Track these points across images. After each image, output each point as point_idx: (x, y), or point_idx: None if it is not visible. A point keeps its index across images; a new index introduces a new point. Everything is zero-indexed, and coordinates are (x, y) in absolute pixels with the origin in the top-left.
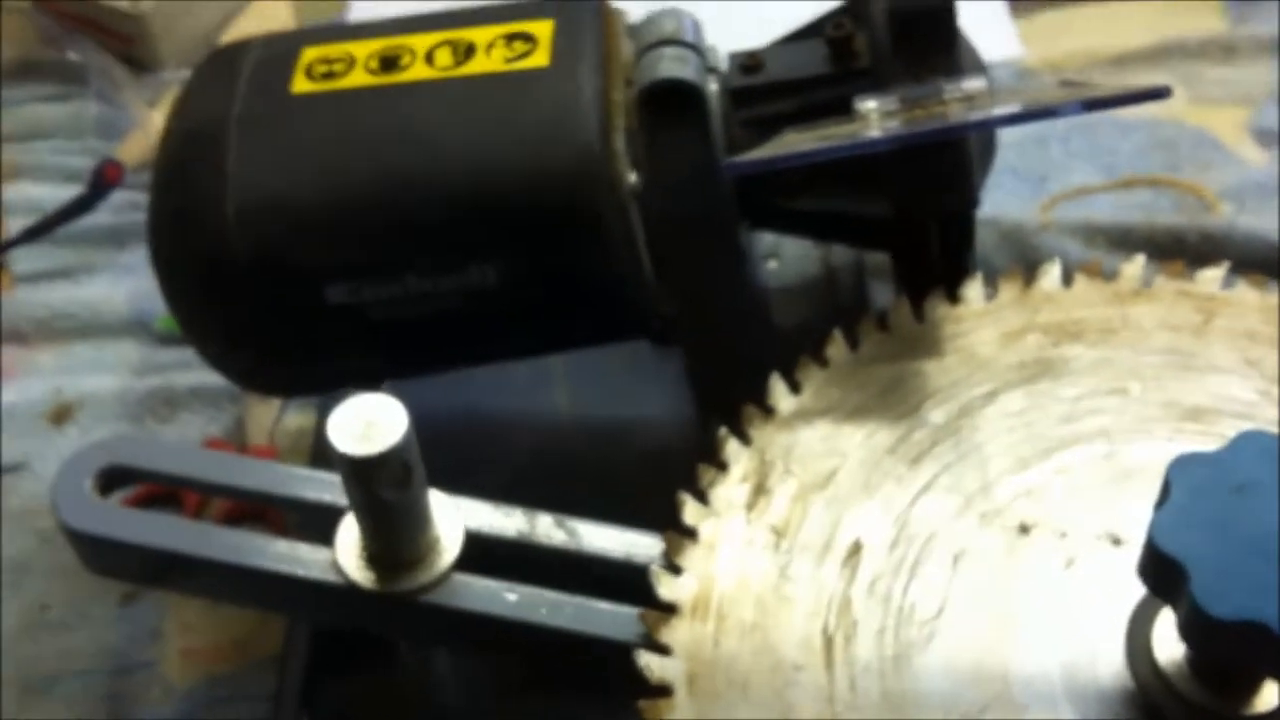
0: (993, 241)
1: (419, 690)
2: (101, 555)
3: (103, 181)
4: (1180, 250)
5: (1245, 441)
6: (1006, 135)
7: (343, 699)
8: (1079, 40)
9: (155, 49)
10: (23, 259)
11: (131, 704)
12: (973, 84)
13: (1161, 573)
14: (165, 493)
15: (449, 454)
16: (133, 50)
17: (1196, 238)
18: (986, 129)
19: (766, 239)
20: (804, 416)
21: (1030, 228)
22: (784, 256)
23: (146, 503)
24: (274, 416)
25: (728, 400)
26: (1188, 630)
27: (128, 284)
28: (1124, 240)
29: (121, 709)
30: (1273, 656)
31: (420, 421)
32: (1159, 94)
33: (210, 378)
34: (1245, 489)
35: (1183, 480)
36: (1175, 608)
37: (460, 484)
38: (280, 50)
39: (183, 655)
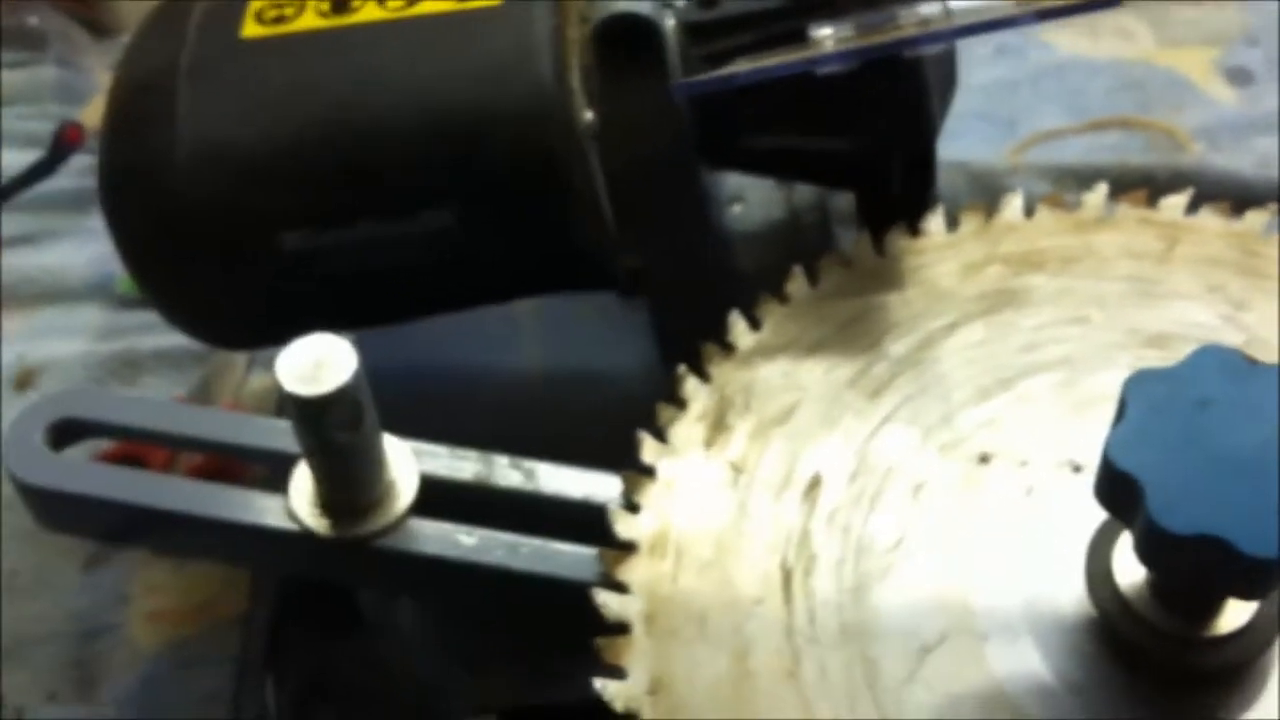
0: (963, 185)
1: (384, 652)
2: (54, 511)
3: (63, 144)
4: (1152, 190)
5: (1204, 357)
6: (976, 80)
7: (307, 661)
8: None
9: (114, 12)
10: None
11: (97, 668)
12: (928, 7)
13: (1117, 491)
14: (131, 454)
15: (417, 407)
16: (92, 14)
17: (1168, 176)
18: (938, 43)
19: (730, 183)
20: (763, 353)
21: (1000, 170)
22: (748, 200)
23: (113, 462)
24: (239, 377)
25: (693, 346)
26: (1145, 549)
27: (90, 248)
28: (1094, 181)
29: (88, 674)
30: (1231, 572)
31: (387, 375)
32: (1110, 2)
33: (174, 340)
34: (1204, 404)
35: (1139, 397)
36: (1132, 527)
37: (429, 437)
38: None
39: (149, 618)
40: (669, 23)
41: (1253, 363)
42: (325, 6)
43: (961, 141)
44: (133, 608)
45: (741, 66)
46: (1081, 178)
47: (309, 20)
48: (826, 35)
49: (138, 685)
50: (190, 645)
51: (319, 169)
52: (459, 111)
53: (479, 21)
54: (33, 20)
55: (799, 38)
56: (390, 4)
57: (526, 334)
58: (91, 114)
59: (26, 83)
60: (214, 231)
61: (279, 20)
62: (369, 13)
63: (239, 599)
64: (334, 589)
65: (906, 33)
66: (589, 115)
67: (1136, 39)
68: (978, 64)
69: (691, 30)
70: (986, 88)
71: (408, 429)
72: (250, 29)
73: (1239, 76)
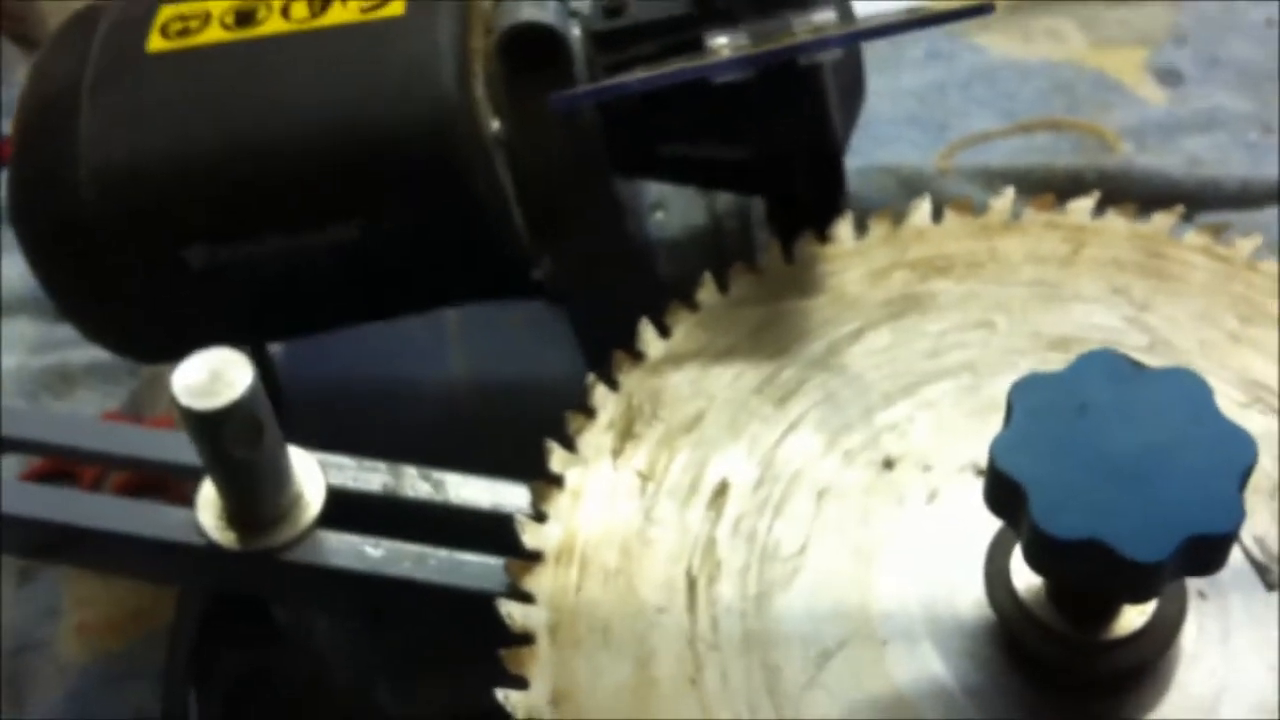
0: (892, 189)
1: (306, 665)
2: None
3: None
4: (1079, 191)
5: (1088, 362)
6: (907, 85)
7: (231, 675)
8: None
9: (46, 26)
10: None
11: (25, 683)
12: (821, 15)
13: (1003, 495)
14: (61, 471)
15: (343, 419)
16: (23, 29)
17: (1095, 177)
18: (825, 49)
19: (652, 191)
20: (672, 360)
21: (929, 174)
22: (670, 208)
23: (41, 480)
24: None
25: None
26: (1032, 554)
27: (22, 261)
28: (1023, 183)
29: (17, 690)
30: (1116, 576)
31: (313, 385)
32: (984, 10)
33: (106, 353)
34: (1087, 409)
35: (1024, 402)
36: (1019, 531)
37: (355, 449)
38: (138, 10)
39: (78, 631)
40: (574, 32)
41: (1138, 367)
42: (230, 19)
43: (892, 146)
44: (63, 621)
45: (636, 75)
46: (1010, 180)
47: (214, 33)
48: (722, 44)
49: (65, 700)
50: (118, 660)
51: (222, 183)
52: (363, 123)
53: (383, 32)
54: None
55: (700, 46)
56: (295, 16)
57: (453, 343)
58: None
59: None
60: (119, 247)
61: (184, 33)
62: (274, 25)
63: (168, 611)
64: (256, 602)
65: (799, 40)
66: (495, 124)
67: (1067, 40)
68: (909, 68)
69: (597, 39)
70: (917, 92)
71: (333, 439)
72: (155, 43)
73: (1168, 77)
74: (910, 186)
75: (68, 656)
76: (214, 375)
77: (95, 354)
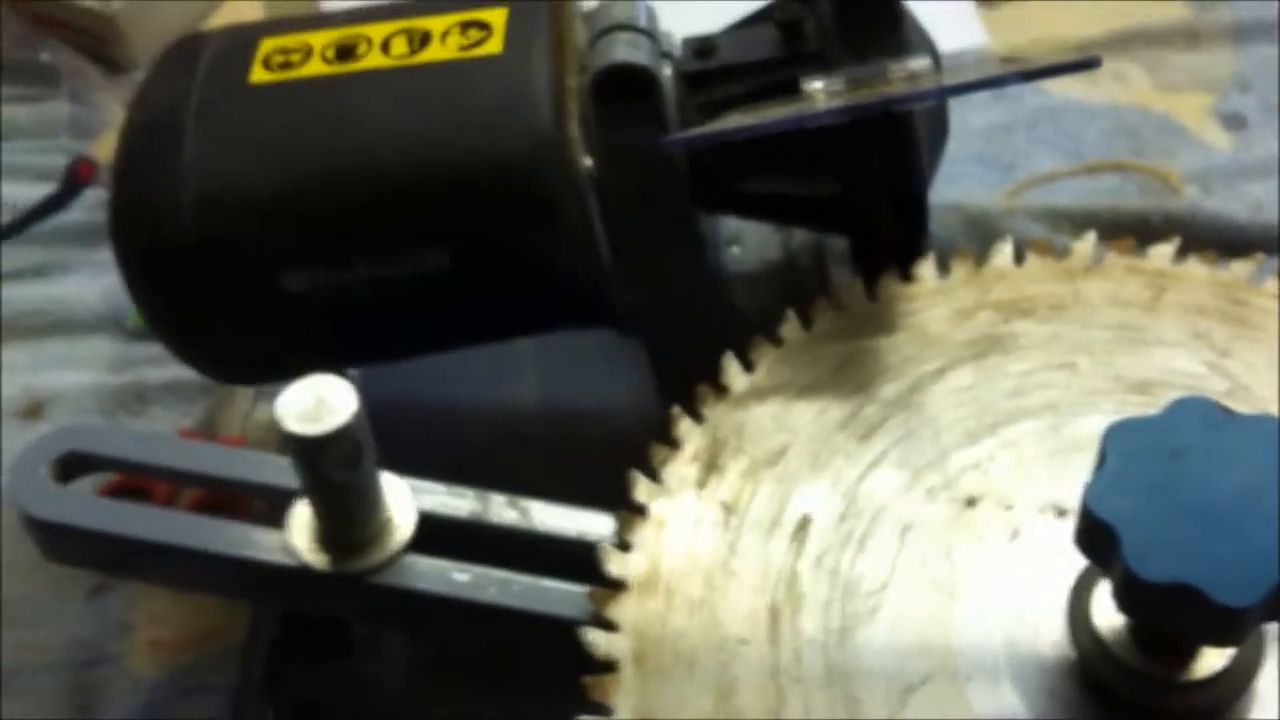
0: (958, 227)
1: (381, 682)
2: (58, 543)
3: (76, 179)
4: (1145, 234)
5: (1181, 407)
6: (973, 124)
7: (305, 691)
8: (1043, 29)
9: (127, 49)
10: None
11: (97, 697)
12: (917, 63)
13: (1095, 538)
14: (136, 487)
15: (416, 442)
16: (105, 50)
17: (1161, 220)
18: (925, 101)
19: (729, 225)
20: (756, 394)
21: (996, 213)
22: (745, 242)
23: (117, 496)
24: (246, 409)
25: (687, 385)
26: (1121, 595)
27: (101, 281)
28: (1089, 224)
29: (87, 702)
30: (1204, 620)
31: (388, 410)
32: (1090, 64)
33: (182, 372)
34: (1180, 454)
35: (1118, 446)
36: (1109, 573)
37: (427, 472)
38: (240, 41)
39: (149, 647)
40: (666, 72)
41: (1229, 413)
42: (331, 54)
43: (958, 185)
44: (134, 637)
45: (731, 122)
46: (1075, 220)
47: (315, 67)
48: (818, 88)
49: (137, 714)
50: (190, 674)
51: (321, 211)
52: (459, 157)
53: (480, 70)
54: (45, 56)
55: (792, 88)
56: (394, 52)
57: (526, 369)
58: (103, 149)
59: (39, 117)
60: (218, 269)
61: (286, 66)
62: (373, 60)
63: (240, 628)
64: (330, 620)
65: (895, 89)
66: (588, 162)
67: (1132, 84)
68: (975, 108)
69: (688, 80)
70: (984, 131)
71: (406, 461)
72: (258, 74)
73: (1233, 122)
74: (977, 225)
75: (139, 671)
76: (319, 401)
77: (171, 373)
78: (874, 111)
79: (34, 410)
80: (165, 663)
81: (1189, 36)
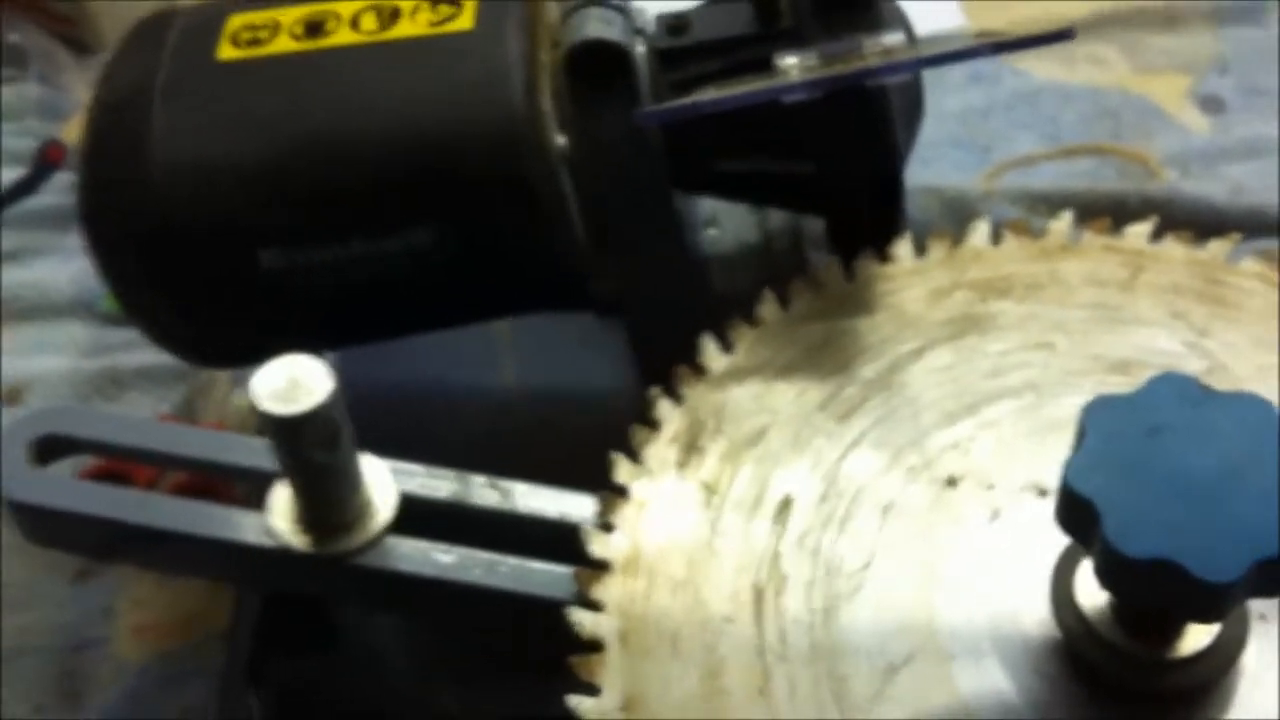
0: (936, 210)
1: (366, 668)
2: (38, 526)
3: (45, 163)
4: (1123, 216)
5: (1160, 384)
6: (950, 107)
7: (290, 676)
8: (1021, 11)
9: (97, 31)
10: None
11: (83, 682)
12: (891, 39)
13: (1076, 515)
14: (115, 472)
15: (395, 427)
16: (74, 32)
17: (1139, 203)
18: (900, 73)
19: (705, 207)
20: (735, 375)
21: (973, 196)
22: (722, 224)
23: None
24: (224, 394)
25: (668, 367)
26: (1103, 572)
27: (73, 265)
28: (1066, 206)
29: (73, 687)
30: (1187, 596)
31: (365, 395)
32: (1065, 35)
33: (159, 357)
34: (1159, 430)
35: (1097, 423)
36: (1090, 551)
37: (407, 454)
38: (206, 18)
39: (134, 632)
40: (639, 49)
41: (1208, 390)
42: (299, 30)
43: (935, 167)
44: (119, 622)
45: (707, 95)
46: (1053, 203)
47: (283, 43)
48: (792, 64)
49: (122, 698)
50: (175, 659)
51: (293, 189)
52: (431, 134)
53: (451, 45)
54: (14, 38)
55: (766, 66)
56: (364, 28)
57: (504, 353)
58: (73, 132)
59: (9, 100)
60: (189, 250)
61: (254, 43)
62: (343, 37)
63: (224, 613)
64: (316, 604)
65: (870, 62)
66: (561, 139)
67: (1111, 66)
68: (952, 90)
69: (661, 57)
70: (961, 114)
71: (386, 446)
72: (226, 51)
73: (1211, 105)
74: (953, 208)
75: (125, 655)
76: (293, 382)
77: (146, 358)
78: (848, 84)
79: (12, 396)
80: (150, 648)
81: (1167, 19)
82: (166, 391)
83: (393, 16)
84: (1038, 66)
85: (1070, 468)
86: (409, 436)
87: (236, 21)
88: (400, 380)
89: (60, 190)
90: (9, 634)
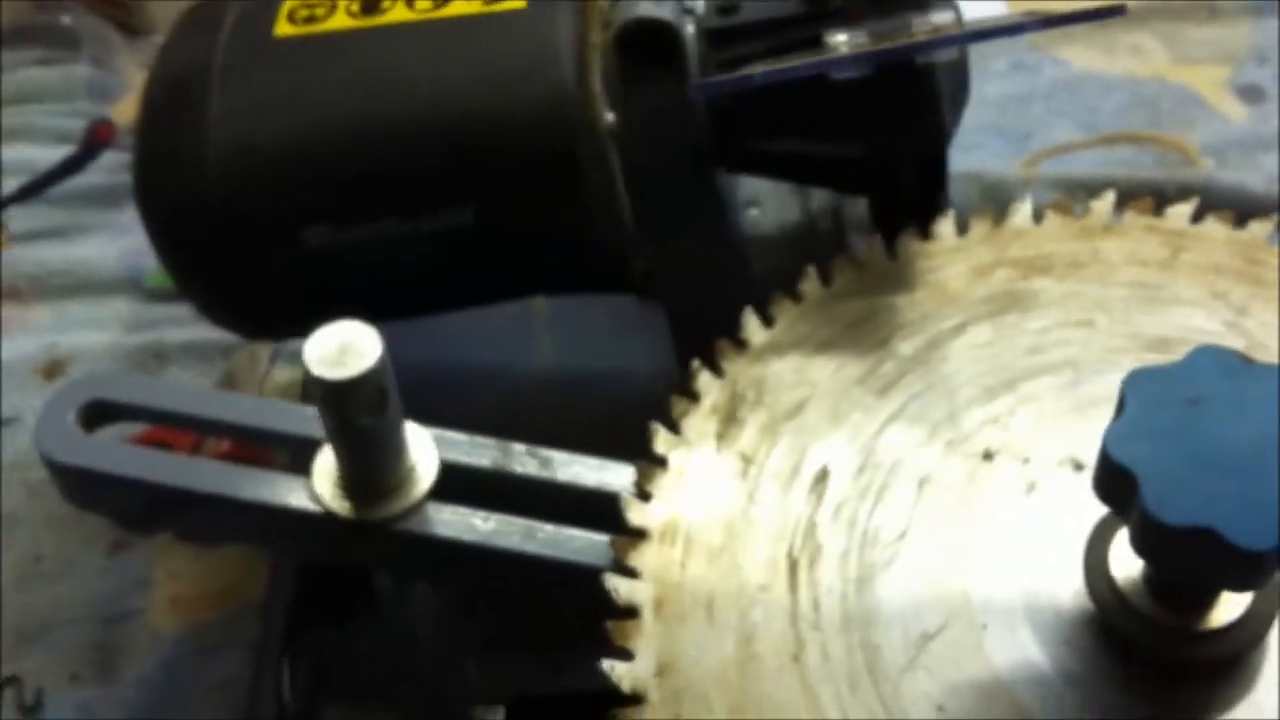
0: (975, 195)
1: (401, 640)
2: (83, 490)
3: (94, 141)
4: (1160, 204)
5: (1200, 356)
6: (990, 93)
7: (325, 648)
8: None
9: (146, 13)
10: (17, 219)
11: (119, 652)
12: (940, 17)
13: (1115, 484)
14: (158, 440)
15: (430, 404)
16: (125, 15)
17: (1176, 191)
18: (949, 47)
19: (747, 187)
20: (775, 349)
21: (1012, 182)
22: (764, 205)
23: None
24: (263, 370)
25: (706, 347)
26: (1140, 540)
27: (120, 242)
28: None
29: (109, 657)
30: (1224, 564)
31: (402, 371)
32: (1115, 11)
33: (200, 333)
34: (1199, 401)
35: (1137, 394)
36: (1128, 520)
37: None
38: None
39: (170, 603)
40: (689, 28)
41: (1248, 362)
42: (355, 7)
43: (975, 154)
44: (155, 593)
45: (757, 69)
46: (1091, 190)
47: (339, 20)
48: (842, 41)
49: (158, 668)
50: (210, 631)
51: (344, 166)
52: (482, 112)
53: (504, 24)
54: (66, 20)
55: (814, 44)
56: (419, 6)
57: (541, 331)
58: (122, 112)
59: (60, 80)
60: (242, 224)
61: (310, 20)
62: (398, 14)
63: (259, 586)
64: (350, 576)
65: (918, 39)
66: (609, 117)
67: (1150, 56)
68: (993, 78)
69: (710, 36)
70: (1001, 101)
71: (423, 421)
72: (282, 28)
73: (1250, 94)
74: (992, 194)
75: (160, 626)
76: (343, 347)
77: (189, 333)
78: (898, 57)
79: (54, 369)
80: (186, 619)
81: (1207, 9)
82: (207, 367)
83: None
84: (1077, 56)
85: (1110, 436)
86: (444, 413)
87: None
88: (437, 357)
89: (108, 169)
90: (46, 605)
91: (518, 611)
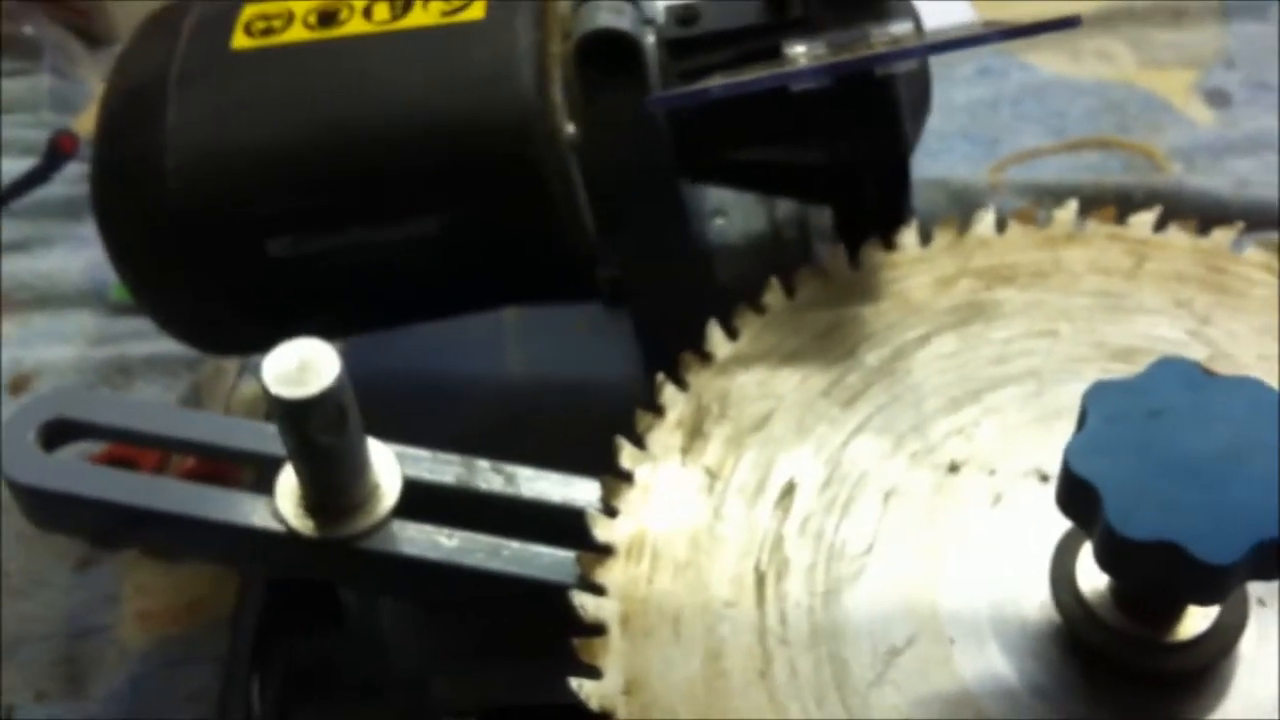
0: (942, 202)
1: (371, 652)
2: (45, 510)
3: (58, 152)
4: (1129, 210)
5: (1161, 369)
6: (958, 99)
7: (295, 660)
8: (1031, 7)
9: (110, 23)
10: None
11: (87, 667)
12: (899, 28)
13: (1077, 497)
14: (121, 459)
15: (401, 414)
16: (87, 24)
17: (1144, 196)
18: (908, 59)
19: (713, 197)
20: (740, 362)
21: (980, 189)
22: (730, 214)
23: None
24: (230, 384)
25: (673, 356)
26: (1103, 554)
27: (84, 255)
28: (1072, 199)
29: (78, 673)
30: (1187, 578)
31: (372, 382)
32: (1071, 23)
33: (166, 346)
34: (1160, 414)
35: (1099, 407)
36: (1091, 534)
37: (412, 442)
38: (221, 8)
39: (138, 618)
40: (649, 39)
41: (1209, 374)
42: (313, 20)
43: (943, 160)
44: (123, 608)
45: (716, 81)
46: (1059, 196)
47: (297, 33)
48: (800, 52)
49: (126, 684)
50: (178, 645)
51: (304, 177)
52: (442, 122)
53: (463, 35)
54: (28, 30)
55: (775, 54)
56: (377, 18)
57: (511, 341)
58: (85, 122)
59: (22, 91)
60: (201, 236)
61: (268, 32)
62: (356, 26)
63: (227, 599)
64: (318, 589)
65: (877, 50)
66: (570, 128)
67: (1117, 61)
68: (961, 84)
69: (671, 46)
70: (968, 107)
71: (391, 434)
72: (240, 41)
73: (1217, 99)
74: (960, 200)
75: (128, 641)
76: (303, 365)
77: (154, 347)
78: (857, 70)
79: (20, 384)
80: (154, 634)
81: (1174, 13)
82: (174, 381)
83: (405, 6)
84: (1045, 61)
85: (1072, 450)
86: (415, 425)
87: (251, 11)
88: (406, 368)
89: (72, 180)
90: (13, 621)
91: (487, 623)
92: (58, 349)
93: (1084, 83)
